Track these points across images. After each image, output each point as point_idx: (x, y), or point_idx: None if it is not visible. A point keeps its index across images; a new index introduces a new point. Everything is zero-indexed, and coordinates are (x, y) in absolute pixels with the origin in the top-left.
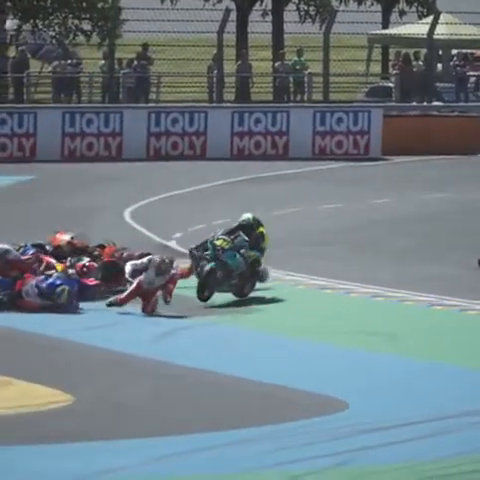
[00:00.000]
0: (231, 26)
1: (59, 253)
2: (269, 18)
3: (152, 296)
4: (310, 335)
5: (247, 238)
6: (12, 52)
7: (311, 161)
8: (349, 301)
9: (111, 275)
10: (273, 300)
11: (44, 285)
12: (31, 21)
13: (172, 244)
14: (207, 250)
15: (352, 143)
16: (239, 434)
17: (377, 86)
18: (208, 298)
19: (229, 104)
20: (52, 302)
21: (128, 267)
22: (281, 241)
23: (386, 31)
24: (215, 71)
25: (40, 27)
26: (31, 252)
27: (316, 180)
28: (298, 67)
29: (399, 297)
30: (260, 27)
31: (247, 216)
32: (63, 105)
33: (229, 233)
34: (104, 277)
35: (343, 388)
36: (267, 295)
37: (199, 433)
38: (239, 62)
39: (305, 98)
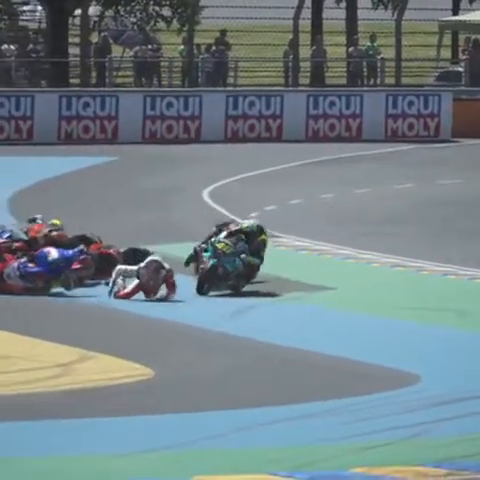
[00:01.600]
0: (306, 12)
1: (33, 245)
2: (343, 4)
3: (153, 291)
4: (382, 311)
5: (248, 244)
6: (95, 38)
7: (383, 143)
8: (420, 278)
9: (104, 267)
10: (347, 278)
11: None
12: (113, 8)
13: None
14: (207, 251)
15: (423, 126)
16: (314, 407)
17: (447, 71)
18: (207, 293)
19: (304, 88)
20: (33, 285)
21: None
22: (353, 220)
23: (456, 17)
24: (291, 56)
25: (122, 13)
26: (6, 236)
27: (388, 161)
28: (371, 52)
29: (469, 275)
30: (334, 13)
31: (250, 224)
32: (144, 89)
33: (230, 235)
34: (97, 268)
35: (415, 362)
36: (341, 273)
37: (275, 406)
38: (314, 47)
39: (378, 82)
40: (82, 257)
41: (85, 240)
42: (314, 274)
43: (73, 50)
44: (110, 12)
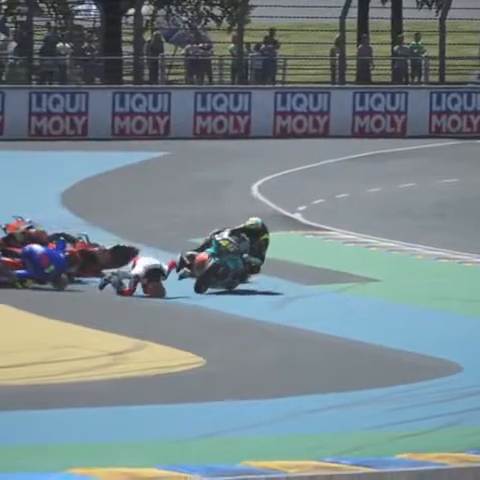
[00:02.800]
0: (353, 11)
1: (10, 241)
2: (388, 4)
3: (152, 293)
4: (426, 302)
5: (250, 243)
6: (147, 36)
7: (427, 139)
8: (464, 270)
9: (88, 265)
10: (391, 270)
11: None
12: (165, 7)
13: (297, 216)
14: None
15: (466, 122)
16: (360, 395)
17: None
18: (204, 292)
19: (350, 85)
20: (8, 278)
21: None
22: (398, 214)
23: None
24: (337, 54)
25: (174, 12)
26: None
27: (432, 157)
28: (416, 51)
29: None
30: (380, 13)
31: (256, 221)
32: (195, 86)
33: (233, 233)
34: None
35: (457, 352)
36: (386, 265)
37: (322, 394)
38: (360, 46)
39: (422, 80)
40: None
41: (65, 238)
42: (360, 266)
43: (126, 48)
44: (162, 11)
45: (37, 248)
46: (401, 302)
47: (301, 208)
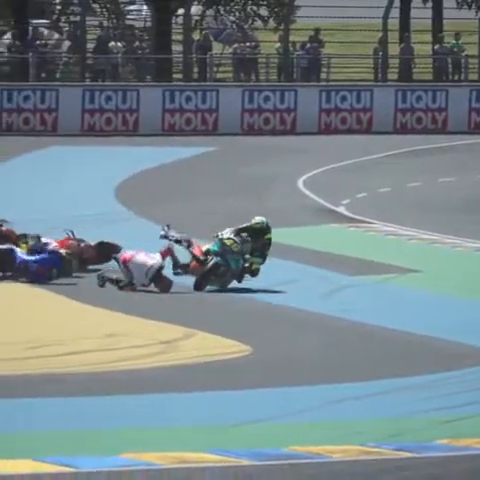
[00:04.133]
0: (395, 12)
1: None
2: (429, 4)
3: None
4: (465, 292)
5: (254, 242)
6: (197, 35)
7: (467, 135)
8: None
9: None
10: (432, 261)
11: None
12: (214, 7)
13: (340, 210)
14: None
15: None
16: (400, 382)
17: None
18: (203, 290)
19: (392, 83)
20: None
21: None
22: (439, 207)
23: None
24: (380, 53)
25: (222, 13)
26: None
27: (472, 152)
28: (456, 49)
29: None
30: (421, 13)
31: (261, 220)
32: (242, 83)
33: (239, 232)
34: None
35: None
36: (427, 256)
37: (365, 381)
38: (402, 45)
39: (462, 78)
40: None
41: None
42: (402, 257)
43: (176, 47)
44: (211, 11)
45: (29, 259)
46: (443, 293)
47: (345, 202)
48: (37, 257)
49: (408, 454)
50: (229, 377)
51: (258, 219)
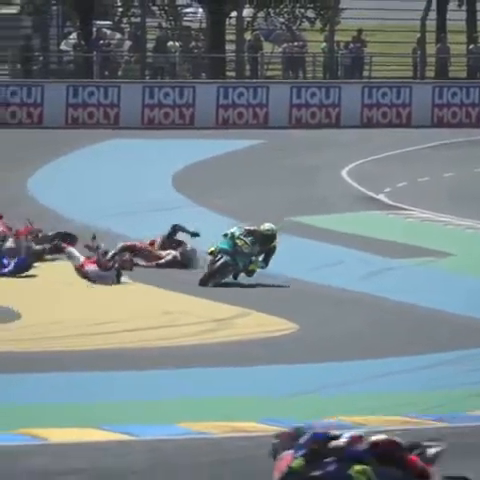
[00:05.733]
0: (432, 14)
1: None
2: (464, 7)
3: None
4: None
5: (261, 247)
6: (248, 36)
7: None
8: None
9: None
10: (466, 245)
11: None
12: (264, 10)
13: (381, 197)
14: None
15: None
16: (441, 357)
17: None
18: (207, 286)
19: (430, 80)
20: None
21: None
22: (472, 195)
23: None
24: (419, 52)
25: (272, 15)
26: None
27: None
28: None
29: None
30: (457, 15)
31: (270, 227)
32: (291, 80)
33: (247, 234)
34: None
35: None
36: (461, 241)
37: (406, 356)
38: (439, 45)
39: None
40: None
41: None
42: (438, 242)
43: (229, 46)
44: (261, 13)
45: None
46: (475, 275)
47: (386, 190)
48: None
49: (446, 424)
50: (279, 352)
51: (268, 226)
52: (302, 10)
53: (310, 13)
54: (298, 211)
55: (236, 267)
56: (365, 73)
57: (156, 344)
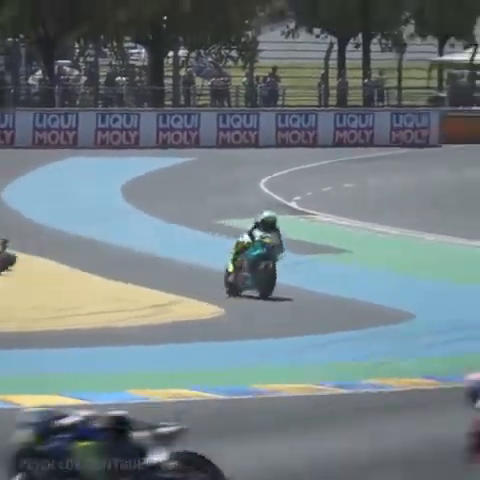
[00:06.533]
0: (334, 54)
1: None
2: (360, 48)
3: None
4: (383, 267)
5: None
6: (183, 72)
7: (388, 147)
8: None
9: None
10: (361, 244)
11: None
12: (196, 50)
13: (293, 204)
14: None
15: None
16: (342, 336)
17: None
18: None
19: (332, 108)
20: None
21: None
22: (368, 202)
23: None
24: (323, 85)
25: (202, 55)
26: None
27: (392, 161)
28: (380, 83)
29: None
30: (354, 54)
31: (270, 214)
32: (218, 108)
33: (256, 227)
34: None
35: (411, 303)
36: (357, 241)
37: (317, 334)
38: (340, 79)
39: (385, 104)
40: None
41: None
42: (339, 241)
43: (167, 81)
44: (194, 54)
45: None
46: (371, 268)
47: (296, 198)
48: None
49: (343, 391)
50: (208, 331)
51: (266, 213)
52: (227, 51)
53: (234, 53)
54: (224, 216)
55: (274, 263)
56: (279, 102)
57: (106, 325)
